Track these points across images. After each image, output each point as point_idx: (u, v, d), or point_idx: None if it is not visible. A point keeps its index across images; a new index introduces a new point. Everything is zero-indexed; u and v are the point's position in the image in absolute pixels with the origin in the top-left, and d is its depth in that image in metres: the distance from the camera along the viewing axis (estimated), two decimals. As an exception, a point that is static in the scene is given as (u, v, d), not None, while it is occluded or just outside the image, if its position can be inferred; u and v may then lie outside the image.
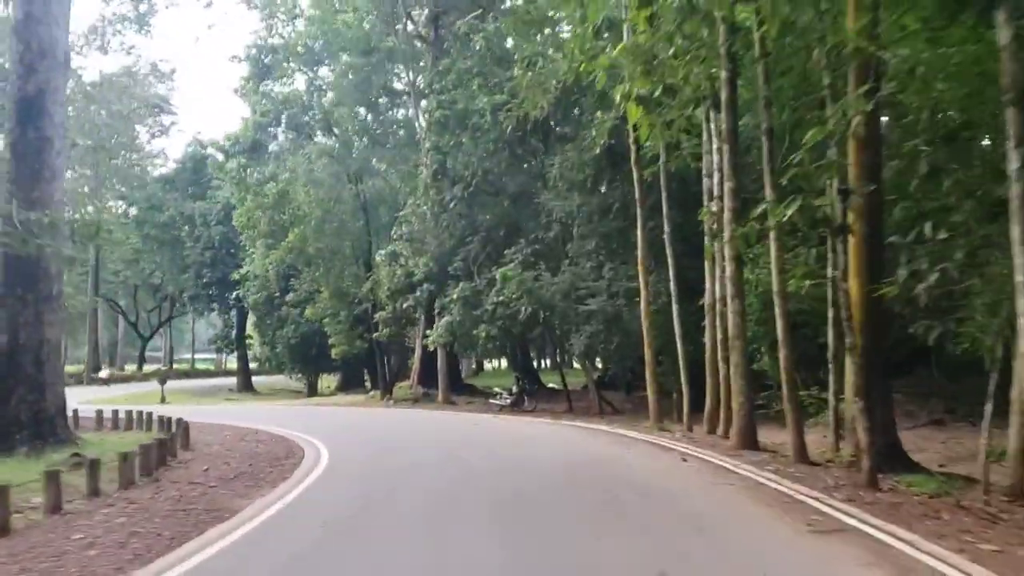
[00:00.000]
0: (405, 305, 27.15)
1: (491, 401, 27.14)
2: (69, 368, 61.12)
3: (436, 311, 25.97)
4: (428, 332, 26.58)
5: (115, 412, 20.81)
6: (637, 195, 19.25)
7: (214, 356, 79.25)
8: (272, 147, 35.03)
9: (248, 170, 32.14)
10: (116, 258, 65.10)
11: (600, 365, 26.61)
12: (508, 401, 26.22)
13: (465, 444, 15.02)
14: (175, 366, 75.71)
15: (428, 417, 23.60)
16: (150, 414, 19.35)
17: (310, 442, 15.59)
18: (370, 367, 38.01)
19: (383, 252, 28.42)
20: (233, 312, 55.25)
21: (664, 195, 18.30)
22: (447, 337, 24.83)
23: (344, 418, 24.05)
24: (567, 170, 21.77)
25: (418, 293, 26.58)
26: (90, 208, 60.15)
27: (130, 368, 69.12)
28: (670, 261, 18.25)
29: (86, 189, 58.98)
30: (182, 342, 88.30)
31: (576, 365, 32.65)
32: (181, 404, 36.37)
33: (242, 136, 30.67)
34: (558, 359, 29.52)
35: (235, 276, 45.45)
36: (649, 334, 19.06)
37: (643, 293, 19.15)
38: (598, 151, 20.76)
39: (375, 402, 32.92)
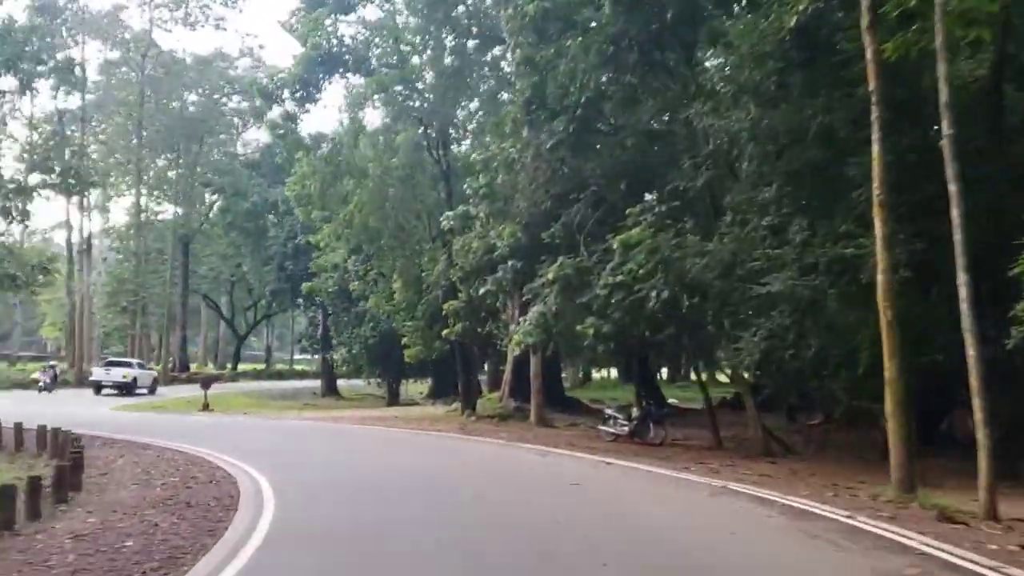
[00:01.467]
0: (483, 290, 19.34)
1: (601, 427, 19.27)
2: (157, 367, 58.39)
3: (524, 297, 18.11)
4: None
5: (55, 432, 14.53)
6: (871, 86, 10.77)
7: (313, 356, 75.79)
8: (329, 95, 28.32)
9: (298, 123, 25.50)
10: (209, 253, 62.25)
11: (736, 376, 17.78)
12: (625, 429, 18.36)
13: None
14: (277, 366, 73.04)
15: (504, 456, 15.59)
16: (76, 438, 12.82)
17: (255, 512, 8.28)
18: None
19: (451, 214, 20.70)
20: (319, 309, 50.40)
21: (942, 70, 9.68)
22: (539, 335, 16.88)
23: (383, 449, 16.31)
24: (733, 68, 13.43)
25: (500, 273, 18.71)
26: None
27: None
28: (954, 197, 9.50)
29: (172, 175, 55.61)
30: (288, 340, 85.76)
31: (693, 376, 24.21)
32: (228, 413, 30.37)
33: (289, 76, 24.24)
34: (698, 367, 21.02)
35: (313, 267, 40.14)
36: (890, 330, 10.54)
37: (881, 260, 10.62)
38: (789, 29, 12.41)
39: (454, 418, 25.64)
